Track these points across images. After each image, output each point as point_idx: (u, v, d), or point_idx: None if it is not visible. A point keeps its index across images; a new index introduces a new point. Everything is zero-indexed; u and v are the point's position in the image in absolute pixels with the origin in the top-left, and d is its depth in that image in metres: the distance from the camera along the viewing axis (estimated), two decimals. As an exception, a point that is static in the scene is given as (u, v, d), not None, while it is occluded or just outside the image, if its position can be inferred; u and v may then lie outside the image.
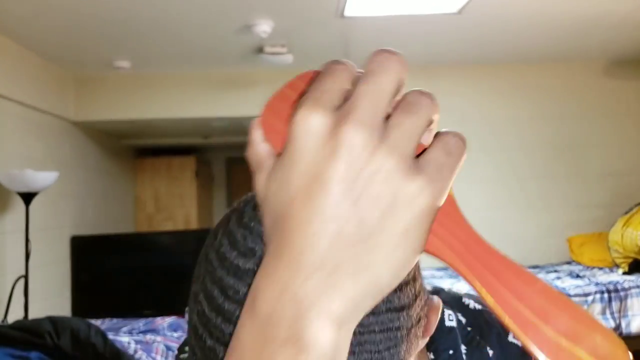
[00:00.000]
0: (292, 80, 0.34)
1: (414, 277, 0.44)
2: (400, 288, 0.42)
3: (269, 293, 0.29)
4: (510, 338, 0.67)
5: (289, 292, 0.29)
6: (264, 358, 0.28)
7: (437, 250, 0.31)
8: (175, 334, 2.80)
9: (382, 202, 0.29)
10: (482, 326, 0.67)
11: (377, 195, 0.29)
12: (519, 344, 0.66)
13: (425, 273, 3.70)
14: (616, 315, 3.11)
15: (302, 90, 0.33)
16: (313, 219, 0.29)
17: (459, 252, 0.31)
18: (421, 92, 0.31)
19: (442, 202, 0.30)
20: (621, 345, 0.27)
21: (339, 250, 0.29)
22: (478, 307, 0.69)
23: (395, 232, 0.29)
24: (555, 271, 3.72)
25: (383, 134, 0.29)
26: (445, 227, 0.31)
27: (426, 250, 0.31)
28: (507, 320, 0.29)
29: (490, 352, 0.66)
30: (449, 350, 0.64)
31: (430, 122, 0.32)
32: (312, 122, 0.30)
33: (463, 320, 0.68)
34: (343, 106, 0.30)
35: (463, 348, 0.65)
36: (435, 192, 0.30)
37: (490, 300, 0.29)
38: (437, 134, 0.33)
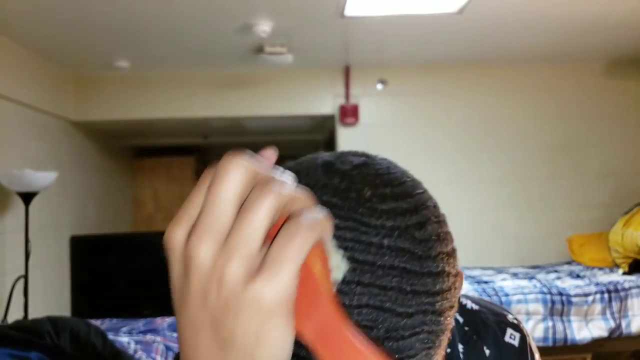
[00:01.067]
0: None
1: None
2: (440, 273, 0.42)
3: None
4: (507, 338, 0.68)
5: None
6: None
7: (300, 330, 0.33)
8: (175, 334, 2.80)
9: (231, 310, 0.30)
10: (479, 326, 0.68)
11: (225, 304, 0.30)
12: (515, 344, 0.67)
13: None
14: (616, 315, 3.11)
15: None
16: (184, 331, 0.33)
17: (314, 334, 0.33)
18: (264, 187, 0.31)
19: (291, 291, 0.31)
20: None
21: (211, 357, 0.31)
22: (475, 307, 0.70)
23: (250, 334, 0.31)
24: (556, 271, 3.72)
25: (224, 241, 0.31)
26: (304, 311, 0.33)
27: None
28: None
29: (487, 352, 0.66)
30: (446, 349, 0.65)
31: (275, 217, 0.32)
32: (170, 239, 0.32)
33: (461, 319, 0.68)
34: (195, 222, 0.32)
35: (460, 347, 0.66)
36: (278, 287, 0.30)
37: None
38: (288, 217, 0.32)
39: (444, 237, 0.42)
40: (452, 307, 0.42)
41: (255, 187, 0.32)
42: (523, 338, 0.69)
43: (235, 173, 0.31)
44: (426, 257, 0.40)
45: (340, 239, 0.39)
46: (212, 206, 0.31)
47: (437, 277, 0.40)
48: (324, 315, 0.33)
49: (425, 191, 0.44)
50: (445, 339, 0.42)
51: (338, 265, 0.37)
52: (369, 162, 0.45)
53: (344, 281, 0.38)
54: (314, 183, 0.42)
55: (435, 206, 0.44)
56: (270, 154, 0.36)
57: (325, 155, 0.47)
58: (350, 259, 0.38)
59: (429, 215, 0.42)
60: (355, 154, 0.47)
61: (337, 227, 0.39)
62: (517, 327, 0.69)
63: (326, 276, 0.34)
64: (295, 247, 0.31)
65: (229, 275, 0.30)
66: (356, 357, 0.32)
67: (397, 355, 0.38)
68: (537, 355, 0.70)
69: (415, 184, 0.44)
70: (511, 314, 0.70)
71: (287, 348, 0.32)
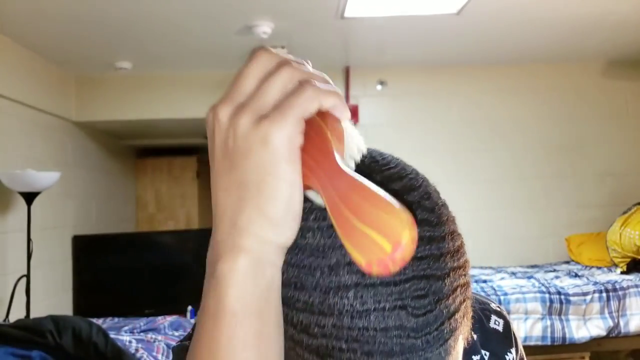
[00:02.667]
0: None
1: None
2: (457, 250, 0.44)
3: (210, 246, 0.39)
4: (492, 324, 0.71)
5: (212, 241, 0.38)
6: (204, 291, 0.38)
7: (305, 179, 0.37)
8: (177, 333, 2.82)
9: (242, 151, 0.36)
10: None
11: (238, 148, 0.36)
12: (500, 329, 0.70)
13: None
14: (614, 314, 3.12)
15: None
16: (214, 183, 0.39)
17: (321, 179, 0.37)
18: (281, 64, 0.38)
19: (294, 135, 0.36)
20: (406, 224, 0.32)
21: (231, 200, 0.37)
22: None
23: (258, 171, 0.36)
24: (554, 270, 3.74)
25: (243, 104, 0.37)
26: (314, 159, 0.37)
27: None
28: (334, 222, 0.35)
29: (475, 337, 0.69)
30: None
31: (288, 82, 0.37)
32: (208, 115, 0.40)
33: None
34: None
35: (486, 354, 0.69)
36: (282, 129, 0.35)
37: (328, 210, 0.36)
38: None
39: (444, 203, 0.46)
40: (467, 261, 0.45)
41: (277, 67, 0.38)
42: (507, 324, 0.71)
43: (258, 58, 0.38)
44: (440, 222, 0.42)
45: None
46: (237, 81, 0.38)
47: (453, 237, 0.43)
48: (333, 174, 0.36)
49: (414, 169, 0.47)
50: (469, 303, 0.44)
51: (358, 148, 0.40)
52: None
53: None
54: None
55: (426, 179, 0.47)
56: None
57: None
58: None
59: (429, 186, 0.45)
60: None
61: None
62: (500, 314, 0.72)
63: (338, 145, 0.38)
64: (300, 99, 0.36)
65: (241, 124, 0.36)
66: (353, 188, 0.35)
67: (449, 315, 0.40)
68: (519, 342, 0.73)
69: (404, 163, 0.47)
70: (495, 303, 0.73)
71: (291, 190, 0.36)
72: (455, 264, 0.41)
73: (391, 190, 0.39)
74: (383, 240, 0.32)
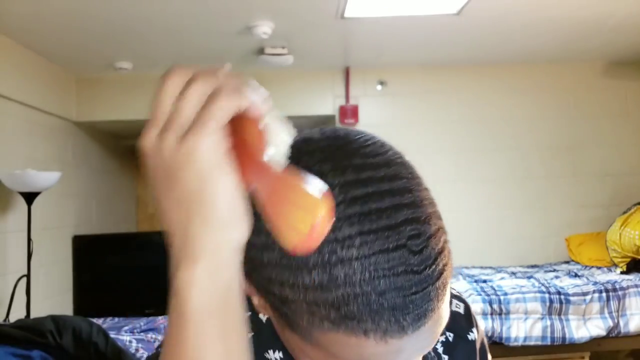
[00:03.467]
0: None
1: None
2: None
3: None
4: (453, 307, 0.73)
5: (171, 255, 0.41)
6: (169, 302, 0.40)
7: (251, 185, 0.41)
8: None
9: (174, 169, 0.39)
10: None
11: (169, 167, 0.39)
12: (461, 311, 0.74)
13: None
14: (614, 314, 3.12)
15: None
16: (159, 206, 0.41)
17: (247, 178, 0.41)
18: (192, 80, 0.40)
19: (217, 143, 0.39)
20: (314, 208, 0.38)
21: (178, 215, 0.40)
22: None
23: (194, 181, 0.39)
24: (554, 270, 3.74)
25: (164, 126, 0.40)
26: (240, 160, 0.41)
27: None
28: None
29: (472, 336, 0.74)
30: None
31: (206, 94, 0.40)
32: (139, 144, 0.41)
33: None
34: None
35: (450, 335, 0.71)
36: (205, 139, 0.38)
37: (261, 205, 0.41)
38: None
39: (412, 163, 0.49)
40: (438, 208, 0.48)
41: (188, 82, 0.40)
42: (467, 307, 0.75)
43: (170, 79, 0.40)
44: (413, 177, 0.46)
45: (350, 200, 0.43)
46: (155, 105, 0.41)
47: (425, 187, 0.47)
48: (258, 172, 0.40)
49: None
50: (448, 245, 0.47)
51: (282, 141, 0.43)
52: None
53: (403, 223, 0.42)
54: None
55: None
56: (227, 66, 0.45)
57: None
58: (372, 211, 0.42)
59: (399, 154, 0.48)
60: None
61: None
62: (460, 299, 0.75)
63: (259, 144, 0.41)
64: (214, 109, 0.38)
65: (166, 145, 0.39)
66: (276, 180, 0.40)
67: (439, 250, 0.44)
68: (480, 323, 0.76)
69: (382, 141, 0.49)
70: (453, 289, 0.74)
71: (230, 192, 0.39)
72: (431, 210, 0.45)
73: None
74: (300, 226, 0.38)
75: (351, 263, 0.41)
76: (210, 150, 0.38)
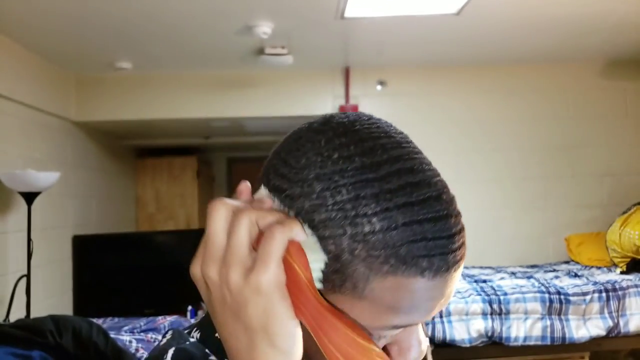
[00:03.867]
0: None
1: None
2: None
3: None
4: None
5: None
6: None
7: (300, 317, 0.44)
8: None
9: (241, 303, 0.43)
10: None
11: (236, 301, 0.43)
12: None
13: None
14: (614, 314, 3.12)
15: None
16: (220, 331, 0.46)
17: (301, 311, 0.44)
18: (238, 214, 0.45)
19: (279, 277, 0.43)
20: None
21: (242, 343, 0.44)
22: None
23: (259, 314, 0.43)
24: (554, 270, 3.74)
25: (224, 259, 0.44)
26: (294, 299, 0.44)
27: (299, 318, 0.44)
28: None
29: None
30: None
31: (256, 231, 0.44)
32: (192, 273, 0.46)
33: None
34: None
35: None
36: (268, 275, 0.42)
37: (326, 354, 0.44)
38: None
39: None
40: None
41: (234, 215, 0.44)
42: None
43: (217, 212, 0.45)
44: (431, 167, 0.49)
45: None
46: (208, 239, 0.45)
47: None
48: (307, 302, 0.44)
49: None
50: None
51: (317, 258, 0.45)
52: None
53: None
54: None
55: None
56: (245, 187, 0.50)
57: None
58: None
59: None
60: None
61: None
62: None
63: (305, 269, 0.44)
64: (272, 245, 0.42)
65: (232, 280, 0.43)
66: (335, 327, 0.44)
67: (462, 228, 0.48)
68: None
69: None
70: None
71: (291, 322, 0.43)
72: (451, 195, 0.48)
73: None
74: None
75: (407, 207, 0.44)
76: (273, 285, 0.42)
